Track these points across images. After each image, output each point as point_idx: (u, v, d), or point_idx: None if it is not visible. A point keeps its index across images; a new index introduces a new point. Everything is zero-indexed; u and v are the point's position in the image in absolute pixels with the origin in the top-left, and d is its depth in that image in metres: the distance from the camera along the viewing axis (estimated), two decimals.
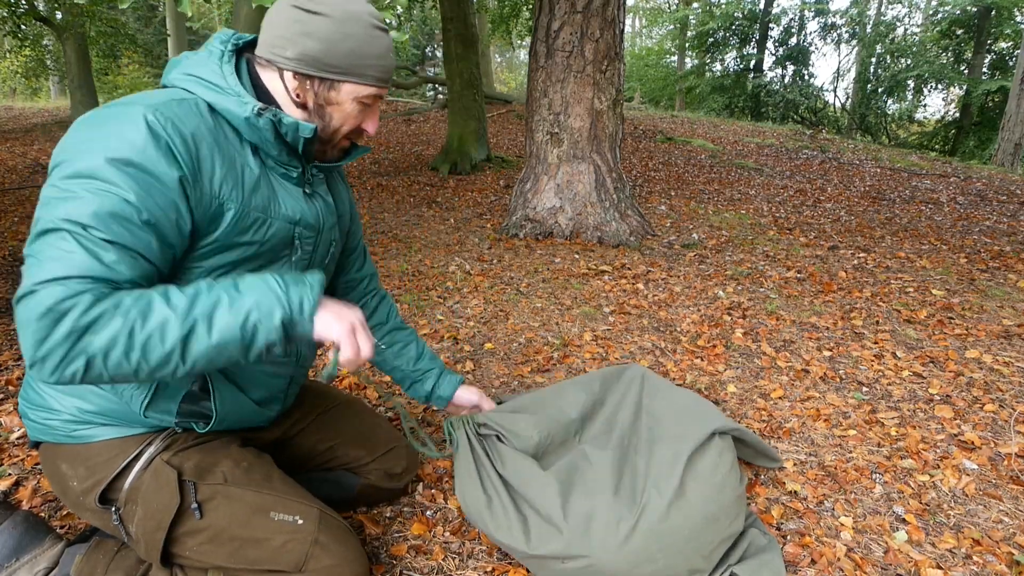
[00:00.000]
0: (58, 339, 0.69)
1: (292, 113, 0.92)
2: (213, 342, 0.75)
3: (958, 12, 13.56)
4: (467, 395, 1.35)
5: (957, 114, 15.26)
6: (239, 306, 0.76)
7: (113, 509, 0.94)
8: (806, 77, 16.04)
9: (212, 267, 0.88)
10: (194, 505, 0.94)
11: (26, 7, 8.04)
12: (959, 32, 14.39)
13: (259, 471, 1.02)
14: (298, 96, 0.90)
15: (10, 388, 1.85)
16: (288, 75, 0.88)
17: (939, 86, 15.18)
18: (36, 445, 1.00)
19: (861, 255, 3.55)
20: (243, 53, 0.93)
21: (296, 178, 0.96)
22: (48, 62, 11.98)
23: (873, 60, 15.80)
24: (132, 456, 0.94)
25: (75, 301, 0.70)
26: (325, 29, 0.86)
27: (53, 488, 1.00)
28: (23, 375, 1.93)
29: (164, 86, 0.89)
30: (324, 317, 0.82)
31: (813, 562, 1.22)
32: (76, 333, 0.69)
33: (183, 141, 0.79)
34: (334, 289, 1.25)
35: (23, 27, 8.40)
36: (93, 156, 0.74)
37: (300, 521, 0.97)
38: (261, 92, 0.91)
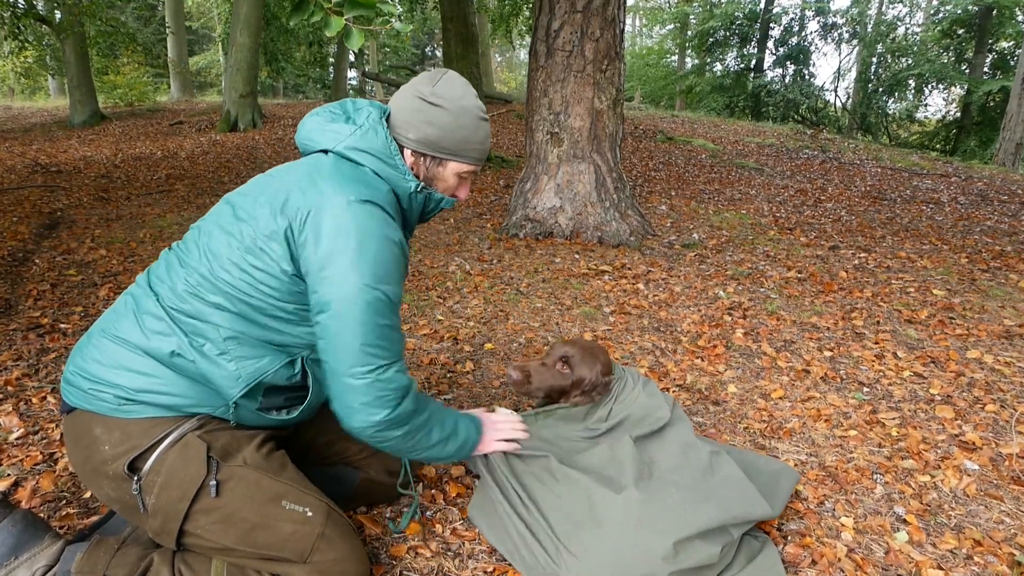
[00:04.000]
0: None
1: None
2: (442, 452, 1.13)
3: (959, 11, 13.55)
4: None
5: (958, 114, 15.26)
6: (457, 441, 1.14)
7: (136, 479, 0.96)
8: (807, 77, 16.03)
9: None
10: (213, 482, 0.97)
11: (24, 7, 8.04)
12: (960, 32, 14.38)
13: (277, 460, 1.06)
14: (413, 169, 1.12)
15: (9, 389, 1.85)
16: (407, 152, 1.12)
17: (940, 86, 15.17)
18: (70, 411, 1.02)
19: (862, 255, 3.54)
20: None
21: (414, 234, 1.16)
22: (48, 61, 11.97)
23: (874, 60, 15.78)
24: (168, 430, 0.98)
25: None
26: (443, 120, 1.09)
27: (75, 454, 1.01)
28: (23, 375, 1.93)
29: (334, 152, 1.08)
30: (480, 448, 1.20)
31: (814, 562, 1.22)
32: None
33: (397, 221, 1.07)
34: None
35: (24, 28, 8.39)
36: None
37: (310, 513, 1.01)
38: None
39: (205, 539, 0.98)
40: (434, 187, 1.15)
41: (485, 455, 1.24)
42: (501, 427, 1.24)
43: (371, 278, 0.96)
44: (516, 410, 1.43)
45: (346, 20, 1.38)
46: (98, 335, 1.02)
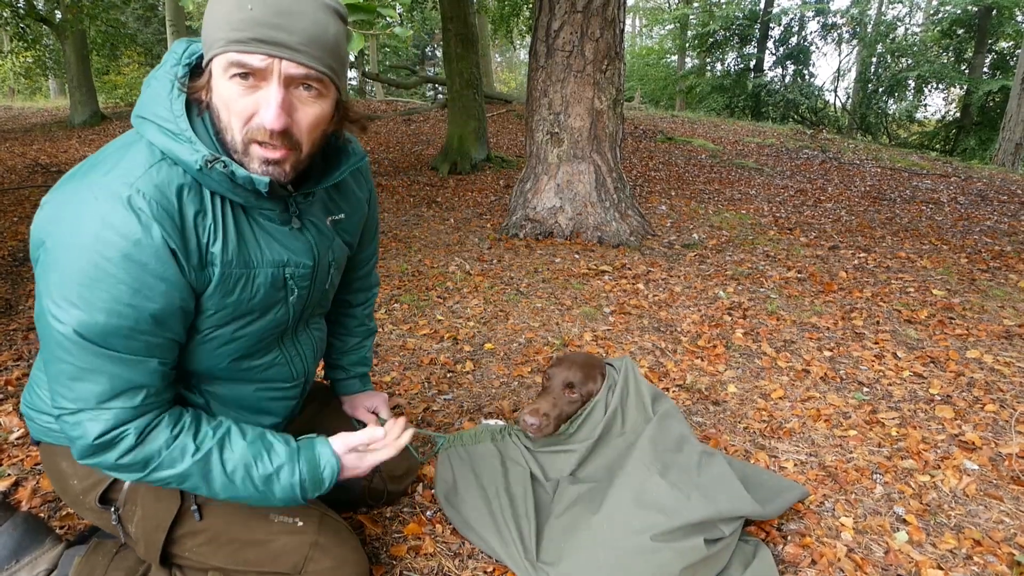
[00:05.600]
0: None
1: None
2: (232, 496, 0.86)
3: (959, 12, 13.54)
4: (363, 400, 1.30)
5: (958, 114, 15.25)
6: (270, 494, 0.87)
7: (112, 509, 0.94)
8: (806, 77, 16.03)
9: (206, 336, 0.85)
10: (194, 507, 0.93)
11: (25, 8, 8.05)
12: (960, 32, 14.37)
13: None
14: (194, 94, 0.77)
15: (9, 388, 1.85)
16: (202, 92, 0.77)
17: (940, 86, 15.17)
18: (37, 443, 1.00)
19: (862, 255, 3.54)
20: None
21: (277, 218, 0.86)
22: (48, 62, 11.98)
23: (874, 60, 15.78)
24: None
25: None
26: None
27: (53, 485, 1.00)
28: (23, 375, 1.93)
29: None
30: (344, 475, 0.93)
31: (813, 562, 1.22)
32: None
33: (171, 220, 0.74)
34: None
35: (25, 28, 8.41)
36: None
37: (300, 523, 0.97)
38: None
39: (194, 560, 0.96)
40: (221, 122, 0.76)
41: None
42: (368, 457, 0.97)
43: (56, 296, 0.72)
44: (505, 419, 1.46)
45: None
46: (37, 369, 0.95)
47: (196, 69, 0.80)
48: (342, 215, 1.00)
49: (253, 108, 0.74)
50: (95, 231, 0.71)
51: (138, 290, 0.73)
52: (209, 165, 0.74)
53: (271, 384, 0.99)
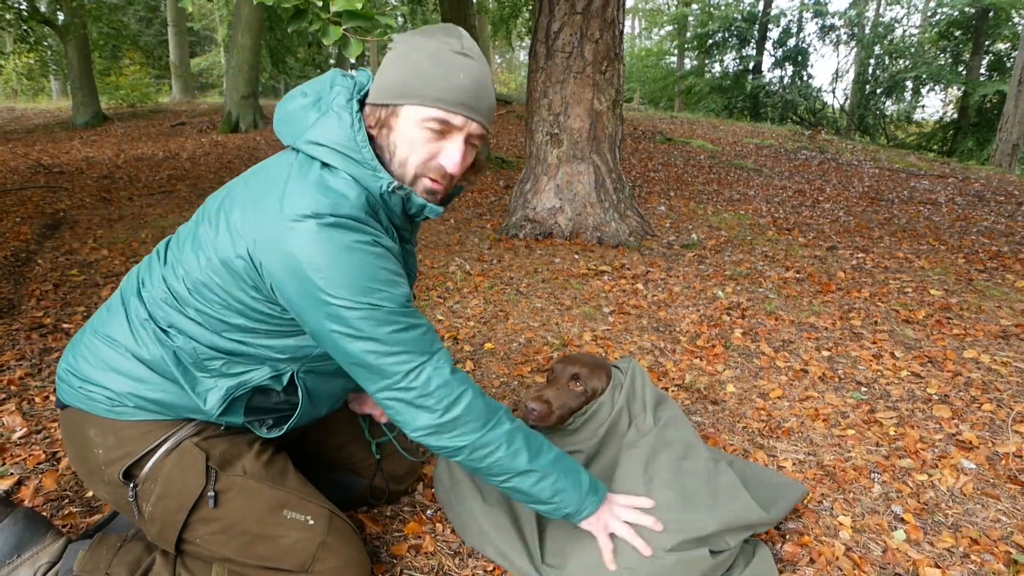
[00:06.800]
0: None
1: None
2: (532, 488, 0.98)
3: (956, 13, 13.58)
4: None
5: (955, 115, 15.28)
6: (559, 492, 0.99)
7: (131, 485, 0.94)
8: (805, 78, 16.06)
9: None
10: (211, 493, 0.94)
11: (28, 10, 8.07)
12: (957, 33, 14.41)
13: (277, 467, 1.03)
14: (366, 123, 0.90)
15: (12, 388, 1.86)
16: (366, 108, 0.91)
17: (937, 87, 15.20)
18: (63, 407, 1.00)
19: (860, 255, 3.55)
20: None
21: (410, 238, 1.04)
22: (50, 63, 12.00)
23: (872, 61, 15.81)
24: (164, 436, 0.95)
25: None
26: (392, 57, 0.90)
27: (70, 452, 0.99)
28: (25, 375, 1.94)
29: (295, 149, 0.91)
30: (590, 523, 1.04)
31: (812, 561, 1.23)
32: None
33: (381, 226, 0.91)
34: None
35: (30, 30, 8.42)
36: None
37: (311, 521, 0.98)
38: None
39: (204, 548, 0.96)
40: (395, 147, 0.89)
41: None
42: (621, 511, 1.06)
43: (348, 298, 0.84)
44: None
45: (344, 30, 1.39)
46: (90, 334, 0.99)
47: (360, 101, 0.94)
48: (415, 244, 1.15)
49: (436, 152, 0.91)
50: (348, 242, 0.84)
51: (396, 271, 0.90)
52: (392, 191, 0.89)
53: (350, 380, 1.04)
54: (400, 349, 0.87)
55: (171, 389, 0.94)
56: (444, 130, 0.89)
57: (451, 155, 0.90)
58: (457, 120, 0.89)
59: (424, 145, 0.90)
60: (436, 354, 0.91)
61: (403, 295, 0.89)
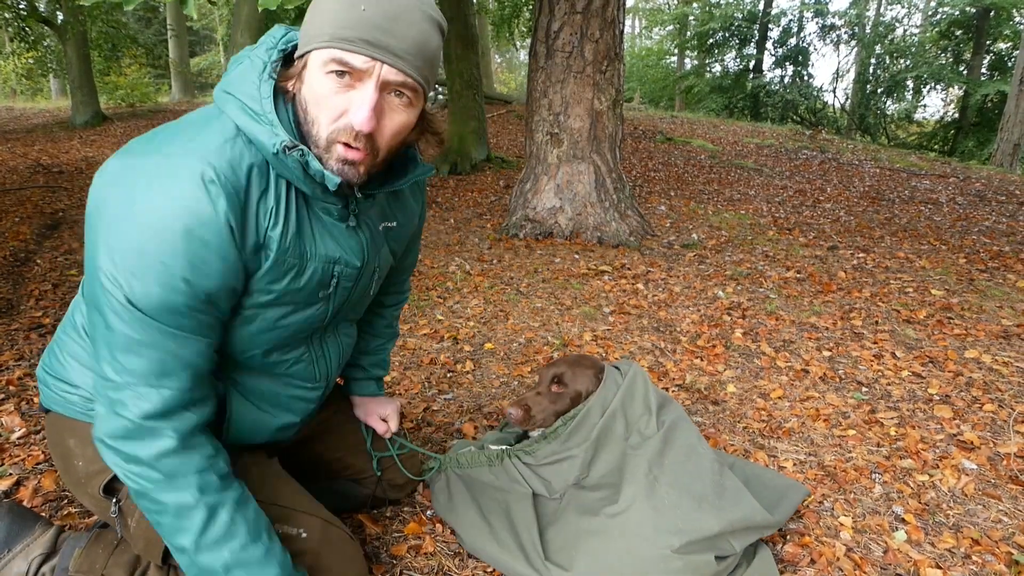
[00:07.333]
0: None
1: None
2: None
3: (957, 13, 13.58)
4: (376, 407, 1.29)
5: (956, 114, 15.28)
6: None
7: (114, 500, 0.92)
8: (805, 78, 16.06)
9: (248, 318, 0.84)
10: None
11: (26, 9, 8.07)
12: (958, 33, 14.41)
13: (267, 478, 1.00)
14: (286, 80, 0.77)
15: (11, 388, 1.85)
16: (292, 81, 0.78)
17: (938, 87, 15.20)
18: (46, 411, 0.97)
19: (860, 255, 3.55)
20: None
21: (337, 213, 0.86)
22: (50, 63, 12.00)
23: (872, 61, 15.82)
24: None
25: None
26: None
27: (56, 461, 0.97)
28: (24, 375, 1.93)
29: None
30: None
31: (812, 562, 1.22)
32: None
33: (236, 198, 0.74)
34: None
35: (27, 29, 8.42)
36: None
37: (304, 534, 0.96)
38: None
39: None
40: (309, 114, 0.76)
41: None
42: None
43: (116, 261, 0.71)
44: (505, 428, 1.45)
45: None
46: (61, 330, 0.93)
47: (288, 57, 0.80)
48: (395, 223, 0.99)
49: (344, 107, 0.74)
50: (161, 202, 0.70)
51: (196, 266, 0.72)
52: (287, 151, 0.73)
53: (294, 381, 0.99)
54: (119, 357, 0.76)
55: None
56: (349, 77, 0.73)
57: (358, 107, 0.73)
58: (357, 61, 0.71)
59: (330, 99, 0.74)
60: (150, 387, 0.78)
61: (171, 303, 0.74)
